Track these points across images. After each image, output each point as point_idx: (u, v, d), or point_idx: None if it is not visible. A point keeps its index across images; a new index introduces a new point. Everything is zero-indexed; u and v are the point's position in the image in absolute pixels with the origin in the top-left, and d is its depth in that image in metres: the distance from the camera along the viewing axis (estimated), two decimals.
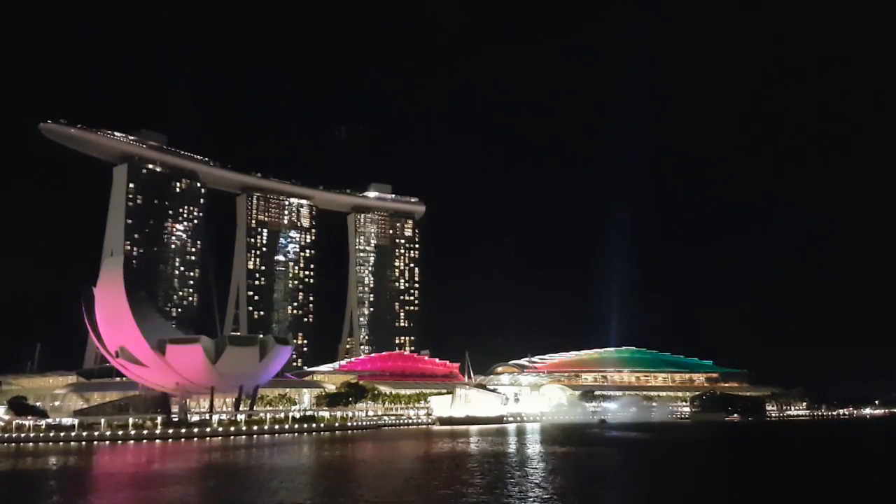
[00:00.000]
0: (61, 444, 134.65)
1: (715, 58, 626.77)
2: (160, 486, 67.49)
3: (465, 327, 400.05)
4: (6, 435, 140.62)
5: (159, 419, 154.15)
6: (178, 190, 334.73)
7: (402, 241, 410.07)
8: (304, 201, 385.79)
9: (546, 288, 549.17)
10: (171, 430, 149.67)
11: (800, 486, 66.84)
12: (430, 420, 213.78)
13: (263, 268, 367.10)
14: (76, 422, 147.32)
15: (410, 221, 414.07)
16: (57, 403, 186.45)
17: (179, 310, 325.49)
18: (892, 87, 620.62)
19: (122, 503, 61.43)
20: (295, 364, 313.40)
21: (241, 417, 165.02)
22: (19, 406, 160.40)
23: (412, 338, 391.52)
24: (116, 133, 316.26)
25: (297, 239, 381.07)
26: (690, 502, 59.78)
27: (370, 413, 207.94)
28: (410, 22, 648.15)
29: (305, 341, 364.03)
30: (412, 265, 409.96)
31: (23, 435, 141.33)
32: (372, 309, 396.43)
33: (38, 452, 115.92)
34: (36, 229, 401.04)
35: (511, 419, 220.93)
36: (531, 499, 55.15)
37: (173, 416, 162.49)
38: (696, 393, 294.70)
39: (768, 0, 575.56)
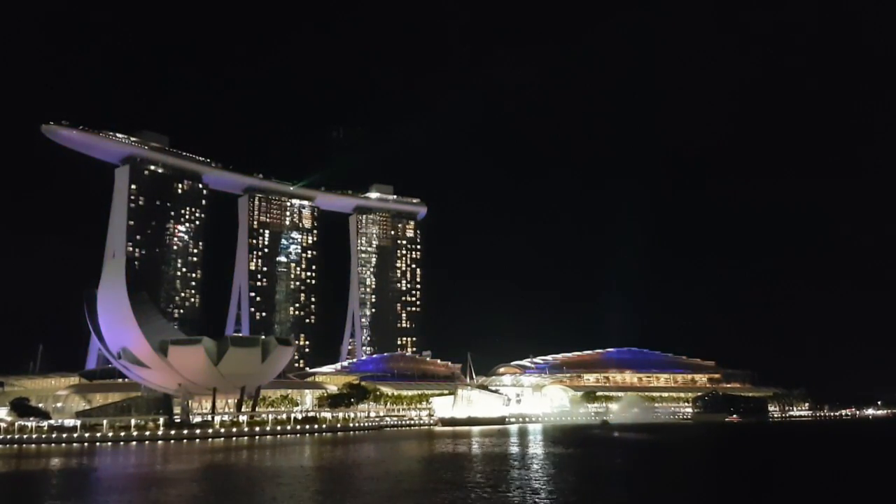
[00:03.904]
0: (63, 445, 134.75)
1: (715, 58, 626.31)
2: (161, 487, 67.51)
3: (466, 328, 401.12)
4: (9, 436, 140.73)
5: (161, 420, 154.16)
6: (179, 191, 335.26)
7: (404, 242, 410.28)
8: (305, 202, 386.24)
9: (548, 289, 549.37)
10: (173, 432, 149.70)
11: (798, 487, 66.74)
12: (431, 421, 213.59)
13: (265, 269, 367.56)
14: (78, 423, 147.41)
15: (412, 222, 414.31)
16: (59, 405, 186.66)
17: (181, 311, 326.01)
18: (893, 87, 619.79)
19: None
20: (297, 365, 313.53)
21: (242, 418, 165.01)
22: (22, 407, 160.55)
23: (414, 338, 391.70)
24: (118, 134, 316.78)
25: (299, 240, 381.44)
26: (691, 502, 59.70)
27: (372, 414, 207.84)
28: (413, 22, 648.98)
29: (307, 342, 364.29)
30: (414, 266, 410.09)
31: (25, 436, 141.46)
32: (374, 310, 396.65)
33: (40, 454, 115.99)
34: (38, 231, 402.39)
35: (513, 420, 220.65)
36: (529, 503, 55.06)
37: (175, 417, 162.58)
38: (699, 394, 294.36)
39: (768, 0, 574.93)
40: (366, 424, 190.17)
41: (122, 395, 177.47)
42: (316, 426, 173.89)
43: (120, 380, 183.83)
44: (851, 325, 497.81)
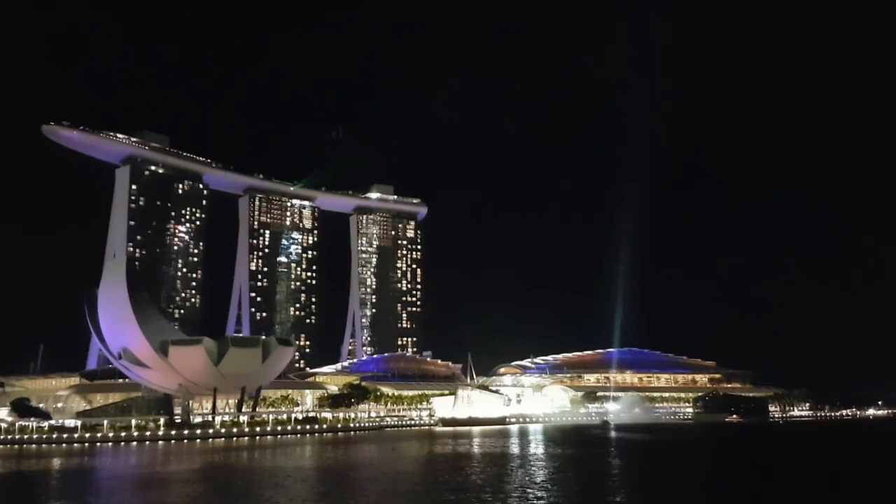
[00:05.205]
0: (64, 445, 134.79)
1: (716, 58, 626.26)
2: (162, 487, 67.54)
3: (467, 328, 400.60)
4: (9, 436, 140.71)
5: (162, 420, 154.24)
6: (180, 191, 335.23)
7: (405, 243, 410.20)
8: (306, 202, 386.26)
9: (548, 289, 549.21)
10: (173, 432, 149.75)
11: (799, 487, 66.72)
12: (432, 421, 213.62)
13: (266, 269, 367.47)
14: (79, 423, 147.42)
15: (412, 222, 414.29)
16: (60, 405, 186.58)
17: (182, 311, 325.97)
18: (894, 87, 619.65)
19: None
20: (297, 365, 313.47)
21: (243, 419, 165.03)
22: (22, 407, 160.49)
23: (414, 339, 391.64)
24: (119, 134, 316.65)
25: (300, 240, 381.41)
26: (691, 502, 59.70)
27: (373, 414, 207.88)
28: (414, 22, 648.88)
29: (308, 342, 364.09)
30: (414, 266, 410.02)
31: (26, 436, 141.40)
32: (374, 310, 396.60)
33: (41, 454, 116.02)
34: (39, 231, 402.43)
35: (514, 420, 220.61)
36: None
37: (176, 417, 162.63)
38: (699, 394, 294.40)
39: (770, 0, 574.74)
40: (366, 425, 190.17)
41: (122, 395, 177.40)
42: (316, 426, 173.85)
43: (120, 380, 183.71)
44: (852, 324, 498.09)
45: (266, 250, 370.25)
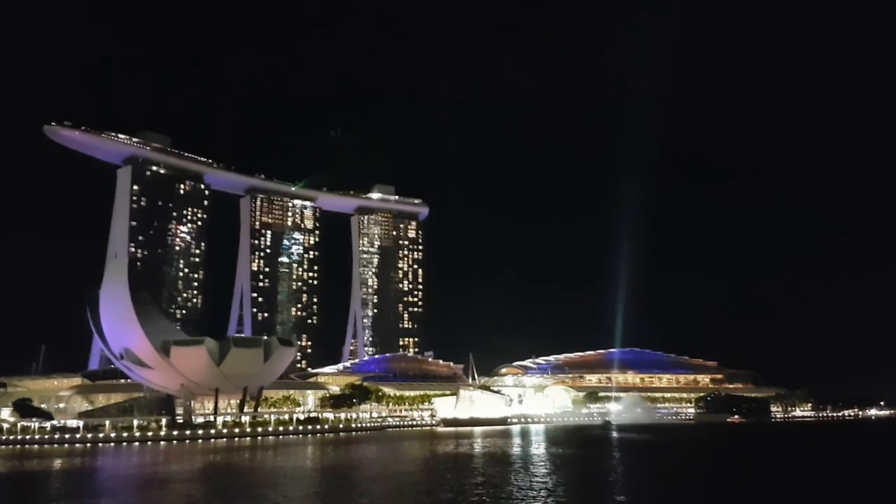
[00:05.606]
0: (66, 445, 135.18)
1: (718, 58, 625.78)
2: (163, 488, 67.56)
3: (468, 328, 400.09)
4: (11, 437, 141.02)
5: (164, 421, 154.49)
6: (181, 192, 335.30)
7: (406, 243, 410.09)
8: (307, 203, 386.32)
9: (550, 289, 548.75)
10: (175, 432, 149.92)
11: (800, 488, 66.63)
12: (434, 421, 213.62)
13: (267, 269, 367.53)
14: (81, 423, 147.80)
15: (414, 223, 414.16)
16: (62, 405, 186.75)
17: (184, 311, 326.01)
18: (894, 87, 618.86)
19: None
20: (299, 365, 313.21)
21: (245, 419, 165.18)
22: (24, 408, 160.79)
23: (416, 339, 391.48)
24: (120, 135, 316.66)
25: (301, 240, 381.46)
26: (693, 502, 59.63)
27: (374, 414, 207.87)
28: (413, 22, 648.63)
29: (309, 343, 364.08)
30: (416, 266, 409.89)
31: (28, 437, 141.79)
32: (375, 310, 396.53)
33: (43, 454, 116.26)
34: (40, 231, 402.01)
35: (515, 420, 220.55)
36: None
37: (178, 417, 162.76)
38: (701, 394, 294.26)
39: (772, 0, 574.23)
40: (368, 425, 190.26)
41: (124, 395, 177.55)
42: (318, 427, 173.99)
43: (122, 380, 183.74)
44: (854, 325, 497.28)
45: (267, 250, 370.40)
